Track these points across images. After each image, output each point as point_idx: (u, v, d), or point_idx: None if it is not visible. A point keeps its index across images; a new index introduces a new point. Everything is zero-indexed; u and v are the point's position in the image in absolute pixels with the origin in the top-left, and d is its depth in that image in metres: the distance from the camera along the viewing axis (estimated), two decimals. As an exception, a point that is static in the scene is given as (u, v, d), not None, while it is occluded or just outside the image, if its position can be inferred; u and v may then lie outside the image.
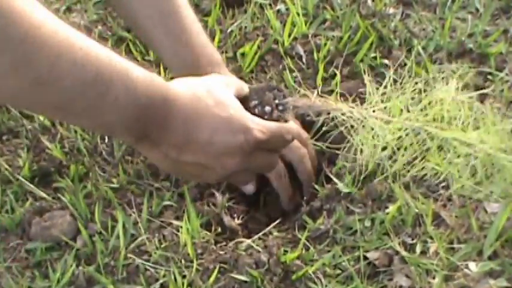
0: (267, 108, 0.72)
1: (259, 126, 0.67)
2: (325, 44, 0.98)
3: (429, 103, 0.63)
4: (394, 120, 0.64)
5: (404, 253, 0.69)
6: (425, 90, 0.65)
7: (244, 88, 0.74)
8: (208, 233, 0.76)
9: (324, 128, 0.80)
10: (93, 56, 0.55)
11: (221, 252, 0.73)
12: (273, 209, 0.85)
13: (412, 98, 0.64)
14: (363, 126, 0.65)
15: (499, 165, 0.58)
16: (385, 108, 0.65)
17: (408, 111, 0.65)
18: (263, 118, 0.70)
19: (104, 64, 0.56)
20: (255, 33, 1.03)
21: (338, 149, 0.70)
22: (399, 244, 0.71)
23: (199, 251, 0.74)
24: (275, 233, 0.77)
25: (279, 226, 0.78)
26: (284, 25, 1.01)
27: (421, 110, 0.64)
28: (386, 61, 0.96)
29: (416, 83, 0.65)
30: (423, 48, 0.96)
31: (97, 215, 0.77)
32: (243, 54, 1.00)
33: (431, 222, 0.72)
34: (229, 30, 1.03)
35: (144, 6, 0.79)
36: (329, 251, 0.72)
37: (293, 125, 0.74)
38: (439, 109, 0.62)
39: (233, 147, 0.65)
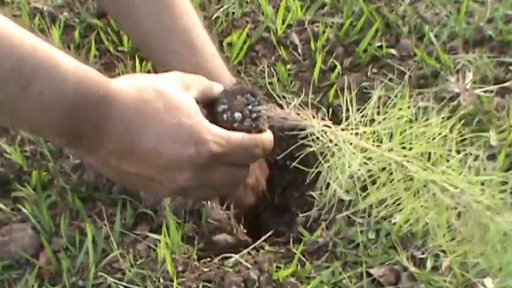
0: (237, 115, 0.69)
1: (217, 138, 0.65)
2: (324, 32, 0.99)
3: (416, 136, 0.63)
4: (371, 149, 0.62)
5: (413, 269, 0.71)
6: (415, 119, 0.65)
7: (214, 90, 0.71)
8: (190, 248, 0.77)
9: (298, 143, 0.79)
10: (16, 42, 0.55)
11: (205, 269, 0.74)
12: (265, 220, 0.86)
13: (398, 126, 0.64)
14: (335, 151, 0.63)
15: (483, 224, 0.59)
16: (364, 133, 0.64)
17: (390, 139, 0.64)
18: (232, 126, 0.68)
19: (26, 52, 0.56)
20: (243, 20, 1.05)
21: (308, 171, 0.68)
22: (407, 259, 0.72)
23: (180, 268, 0.74)
24: (266, 247, 0.78)
25: (270, 239, 0.79)
26: (277, 10, 1.02)
27: (407, 142, 0.64)
28: (393, 51, 0.97)
29: (408, 107, 0.65)
30: (436, 36, 0.97)
31: (63, 228, 0.78)
32: (230, 44, 1.01)
33: (444, 234, 0.73)
34: (214, 16, 1.04)
35: (153, 22, 0.79)
36: (328, 267, 0.73)
37: (267, 137, 0.71)
38: (426, 143, 0.62)
39: (182, 159, 0.63)
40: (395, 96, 0.89)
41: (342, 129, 0.64)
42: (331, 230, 0.77)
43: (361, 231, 0.75)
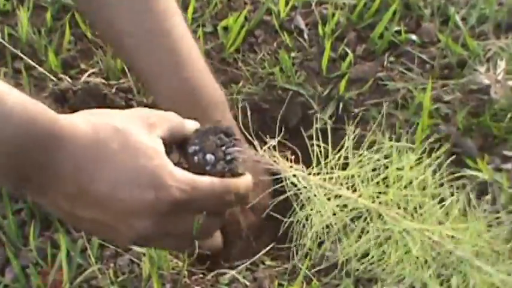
0: (209, 157, 0.70)
1: (180, 183, 0.65)
2: (333, 15, 0.99)
3: (394, 181, 0.64)
4: (345, 195, 0.64)
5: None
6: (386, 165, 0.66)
7: (186, 128, 0.72)
8: (179, 262, 0.77)
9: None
10: None
11: (197, 287, 0.74)
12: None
13: (374, 170, 0.64)
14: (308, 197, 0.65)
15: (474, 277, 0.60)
16: (338, 177, 0.65)
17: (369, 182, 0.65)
18: (204, 169, 0.69)
19: None
20: (241, 1, 1.05)
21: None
22: (429, 276, 0.72)
23: (167, 285, 0.74)
24: (267, 262, 0.78)
25: (272, 253, 0.79)
26: (280, -11, 1.02)
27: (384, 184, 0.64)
28: (413, 37, 0.97)
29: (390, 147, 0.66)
30: (463, 19, 0.98)
31: (32, 239, 0.78)
32: (225, 28, 1.01)
33: None
34: (207, -4, 1.05)
35: (129, 21, 0.80)
36: (338, 285, 0.73)
37: (243, 182, 0.71)
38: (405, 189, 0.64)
39: (140, 206, 0.64)
40: (416, 88, 0.90)
41: (316, 174, 0.65)
42: (342, 242, 0.76)
43: (375, 244, 0.74)
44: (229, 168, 0.70)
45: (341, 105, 0.91)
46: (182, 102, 0.81)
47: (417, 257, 0.64)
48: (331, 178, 0.65)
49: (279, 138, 0.69)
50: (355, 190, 0.66)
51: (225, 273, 0.76)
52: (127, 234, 0.66)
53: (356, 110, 0.92)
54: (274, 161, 0.67)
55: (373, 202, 0.65)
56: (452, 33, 0.96)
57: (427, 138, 0.83)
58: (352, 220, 0.66)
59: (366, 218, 0.64)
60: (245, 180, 0.72)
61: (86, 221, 0.65)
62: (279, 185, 0.66)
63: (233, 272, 0.75)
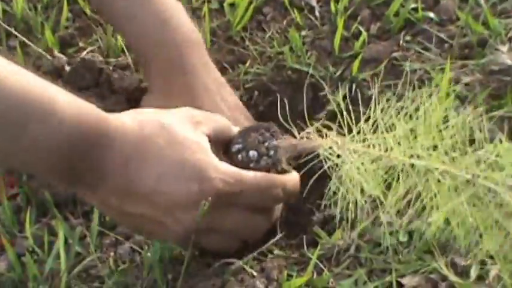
0: (252, 154, 0.74)
1: (224, 175, 0.70)
2: (347, -9, 0.99)
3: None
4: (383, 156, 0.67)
5: (454, 278, 0.70)
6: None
7: (231, 130, 0.77)
8: (182, 252, 0.76)
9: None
10: (7, 84, 0.62)
11: (201, 278, 0.74)
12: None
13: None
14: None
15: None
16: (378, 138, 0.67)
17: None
18: (248, 167, 0.73)
19: (16, 98, 0.62)
20: (248, -24, 1.04)
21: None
22: (447, 266, 0.71)
23: (170, 275, 0.74)
24: (276, 251, 0.77)
25: (281, 241, 0.79)
26: (289, -37, 1.02)
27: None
28: (431, 14, 0.97)
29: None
30: (484, -5, 0.97)
31: (28, 226, 0.78)
32: (232, 5, 1.01)
33: (492, 237, 0.72)
34: (212, -30, 1.04)
35: None
36: (350, 276, 0.73)
37: (291, 179, 0.76)
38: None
39: (185, 198, 0.69)
40: (433, 69, 0.89)
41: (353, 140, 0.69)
42: (355, 230, 0.77)
43: (390, 233, 0.75)
44: (273, 162, 0.74)
45: (354, 86, 0.91)
46: (156, 40, 0.84)
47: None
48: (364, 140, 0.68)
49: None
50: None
51: (231, 263, 0.75)
52: (174, 229, 0.70)
53: (370, 92, 0.91)
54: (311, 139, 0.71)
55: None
56: (473, 11, 0.95)
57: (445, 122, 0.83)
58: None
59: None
60: (293, 177, 0.77)
61: (135, 218, 0.70)
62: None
63: (240, 262, 0.75)
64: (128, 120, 0.69)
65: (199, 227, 0.70)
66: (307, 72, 0.94)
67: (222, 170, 0.70)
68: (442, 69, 0.88)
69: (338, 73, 0.93)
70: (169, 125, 0.70)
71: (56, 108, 0.64)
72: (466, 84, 0.88)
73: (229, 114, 0.84)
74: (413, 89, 0.88)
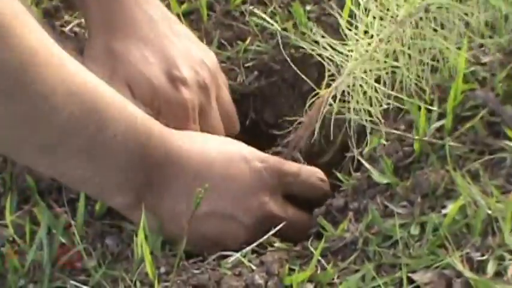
0: None
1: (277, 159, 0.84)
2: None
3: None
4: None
5: (469, 274, 0.69)
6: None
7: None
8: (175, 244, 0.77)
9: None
10: (90, 86, 0.69)
11: (195, 271, 0.74)
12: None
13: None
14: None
15: None
16: None
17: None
18: None
19: (100, 95, 0.70)
20: None
21: None
22: (462, 261, 0.71)
23: (163, 269, 0.74)
24: (276, 244, 0.77)
25: (282, 233, 0.79)
26: None
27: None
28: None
29: None
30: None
31: (8, 214, 0.78)
32: (231, -23, 1.00)
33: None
34: None
35: None
36: (357, 271, 0.73)
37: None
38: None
39: (252, 179, 0.78)
40: (449, 48, 0.88)
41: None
42: (362, 222, 0.76)
43: (402, 225, 0.74)
44: None
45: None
46: None
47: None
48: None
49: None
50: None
51: (228, 256, 0.75)
52: (246, 222, 0.78)
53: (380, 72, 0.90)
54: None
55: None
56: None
57: (461, 106, 0.82)
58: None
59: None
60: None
61: (205, 222, 0.76)
62: None
63: (237, 255, 0.75)
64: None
65: (269, 211, 0.79)
66: (312, 51, 0.93)
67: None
68: (459, 48, 0.86)
69: (345, 52, 0.92)
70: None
71: (131, 108, 0.73)
72: (484, 64, 0.87)
73: (180, 45, 0.87)
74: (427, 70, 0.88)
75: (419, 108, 0.83)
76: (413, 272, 0.71)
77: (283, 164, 0.83)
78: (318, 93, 0.86)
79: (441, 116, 0.82)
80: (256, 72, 0.96)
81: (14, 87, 0.63)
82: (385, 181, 0.79)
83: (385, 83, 0.83)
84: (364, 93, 0.82)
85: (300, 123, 0.87)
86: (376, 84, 0.82)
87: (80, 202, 0.78)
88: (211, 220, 0.77)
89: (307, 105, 0.87)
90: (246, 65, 0.96)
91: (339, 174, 0.83)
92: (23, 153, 0.70)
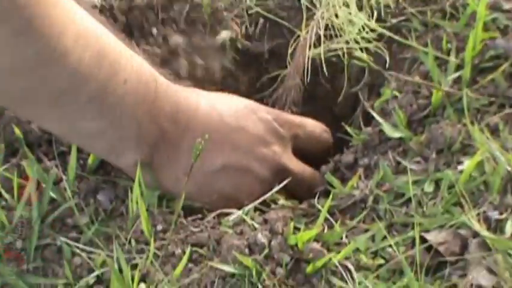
0: None
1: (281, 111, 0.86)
2: None
3: None
4: None
5: (486, 233, 0.69)
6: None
7: None
8: (174, 198, 0.77)
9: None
10: (98, 32, 0.70)
11: (195, 229, 0.74)
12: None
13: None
14: None
15: None
16: None
17: None
18: None
19: (108, 41, 0.71)
20: None
21: None
22: (478, 220, 0.71)
23: (159, 226, 0.74)
24: (281, 201, 0.78)
25: (287, 190, 0.79)
26: None
27: None
28: None
29: None
30: None
31: (-5, 167, 0.78)
32: None
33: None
34: None
35: None
36: (366, 230, 0.73)
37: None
38: None
39: (262, 129, 0.80)
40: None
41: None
42: (372, 179, 0.76)
43: (415, 182, 0.74)
44: None
45: (375, 14, 0.89)
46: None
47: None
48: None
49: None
50: None
51: (228, 214, 0.75)
52: (260, 173, 0.80)
53: (394, 21, 0.90)
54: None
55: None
56: None
57: (480, 56, 0.82)
58: None
59: None
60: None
61: (219, 174, 0.78)
62: None
63: (239, 212, 0.75)
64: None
65: (284, 158, 0.81)
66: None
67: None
68: (479, -7, 0.85)
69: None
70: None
71: (136, 55, 0.74)
72: (506, 12, 0.86)
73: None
74: (444, 17, 0.88)
75: (436, 58, 0.82)
76: (427, 231, 0.71)
77: (288, 115, 0.85)
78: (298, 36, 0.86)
79: (459, 67, 0.82)
80: (261, 20, 0.96)
81: (26, 23, 0.62)
82: (397, 135, 0.79)
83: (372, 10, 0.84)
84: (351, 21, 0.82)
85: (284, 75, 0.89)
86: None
87: (71, 155, 0.78)
88: (225, 174, 0.78)
89: (289, 51, 0.88)
90: (250, 12, 0.96)
91: (348, 128, 0.83)
92: (30, 105, 0.69)
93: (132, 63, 0.73)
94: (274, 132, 0.82)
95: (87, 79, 0.68)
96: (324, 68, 0.82)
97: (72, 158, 0.78)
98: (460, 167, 0.74)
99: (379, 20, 0.89)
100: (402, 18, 0.90)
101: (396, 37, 0.87)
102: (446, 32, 0.86)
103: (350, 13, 0.77)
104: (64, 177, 0.77)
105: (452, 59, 0.82)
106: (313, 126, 0.86)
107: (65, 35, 0.65)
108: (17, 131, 0.80)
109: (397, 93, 0.83)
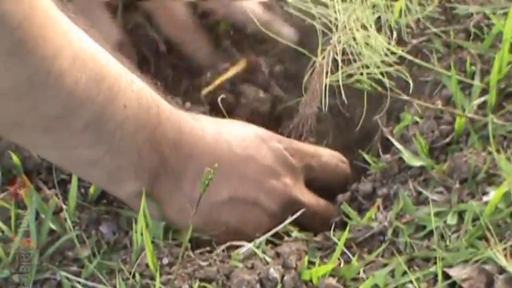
0: None
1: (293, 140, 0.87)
2: None
3: None
4: None
5: (513, 269, 0.70)
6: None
7: None
8: (180, 229, 0.77)
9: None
10: (97, 53, 0.70)
11: (203, 263, 0.74)
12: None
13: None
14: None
15: None
16: None
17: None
18: None
19: (107, 63, 0.71)
20: None
21: None
22: (505, 255, 0.71)
23: (165, 260, 0.75)
24: (294, 233, 0.78)
25: (299, 223, 0.80)
26: None
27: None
28: None
29: None
30: None
31: (-8, 196, 0.78)
32: None
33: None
34: None
35: None
36: (385, 265, 0.73)
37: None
38: None
39: (271, 159, 0.81)
40: (494, 14, 0.88)
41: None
42: (392, 210, 0.77)
43: (437, 214, 0.75)
44: None
45: (394, 34, 0.90)
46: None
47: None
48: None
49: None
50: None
51: (239, 247, 0.76)
52: (269, 207, 0.80)
53: (414, 41, 0.92)
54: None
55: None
56: None
57: (506, 80, 0.83)
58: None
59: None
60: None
61: (226, 206, 0.78)
62: None
63: (250, 245, 0.75)
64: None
65: (294, 190, 0.81)
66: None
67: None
68: (505, 14, 0.87)
69: (375, 17, 0.92)
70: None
71: (135, 77, 0.74)
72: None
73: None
74: (468, 38, 0.89)
75: (459, 81, 0.83)
76: (450, 266, 0.71)
77: (302, 144, 0.85)
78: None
79: (484, 91, 0.83)
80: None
81: (18, 44, 0.62)
82: (418, 164, 0.79)
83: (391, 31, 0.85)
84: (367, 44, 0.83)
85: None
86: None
87: (72, 183, 0.78)
88: (232, 207, 0.79)
89: (305, 78, 0.88)
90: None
91: (366, 156, 0.84)
92: (22, 130, 0.70)
93: (132, 87, 0.73)
94: (285, 162, 0.82)
95: (83, 103, 0.68)
96: (343, 95, 0.82)
97: (73, 187, 0.78)
98: (485, 198, 0.75)
99: (399, 41, 0.90)
100: (423, 38, 0.91)
101: (417, 60, 0.88)
102: (470, 54, 0.87)
103: (369, 36, 0.78)
104: (64, 207, 0.78)
105: (477, 82, 0.83)
106: (329, 157, 0.87)
107: (60, 56, 0.65)
108: (15, 157, 0.80)
109: (417, 119, 0.83)
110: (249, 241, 0.76)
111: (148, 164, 0.75)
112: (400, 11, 0.86)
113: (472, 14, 0.91)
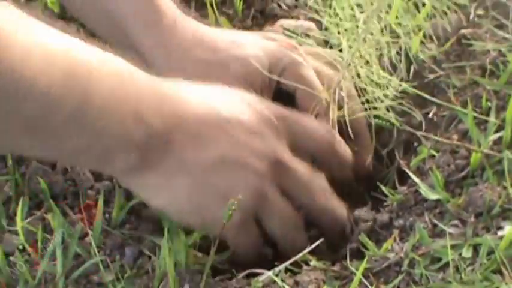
0: None
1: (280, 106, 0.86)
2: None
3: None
4: None
5: (528, 304, 0.71)
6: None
7: None
8: (202, 255, 0.79)
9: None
10: (68, 50, 0.69)
11: (223, 290, 0.75)
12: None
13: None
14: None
15: None
16: None
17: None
18: None
19: (76, 53, 0.70)
20: None
21: None
22: (520, 289, 0.72)
23: (187, 286, 0.76)
24: (313, 262, 0.79)
25: (320, 251, 0.81)
26: None
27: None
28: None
29: None
30: None
31: (19, 220, 0.79)
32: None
33: None
34: None
35: None
36: (402, 296, 0.74)
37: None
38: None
39: (258, 119, 0.81)
40: (509, 51, 0.89)
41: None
42: (408, 241, 0.78)
43: (452, 246, 0.75)
44: None
45: (412, 69, 0.91)
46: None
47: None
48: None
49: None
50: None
51: (258, 274, 0.77)
52: (259, 167, 0.79)
53: (431, 76, 0.92)
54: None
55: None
56: (558, -18, 0.95)
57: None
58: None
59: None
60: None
61: (214, 169, 0.78)
62: None
63: (269, 273, 0.76)
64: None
65: (283, 154, 0.81)
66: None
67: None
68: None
69: (393, 52, 0.93)
70: None
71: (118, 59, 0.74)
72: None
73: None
74: (484, 75, 0.90)
75: (475, 117, 0.85)
76: (466, 299, 0.72)
77: (286, 110, 0.86)
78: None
79: (499, 127, 0.84)
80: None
81: None
82: (434, 197, 0.80)
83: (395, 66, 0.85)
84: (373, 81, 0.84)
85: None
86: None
87: (97, 208, 0.80)
88: (222, 168, 0.78)
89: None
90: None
91: (383, 188, 0.84)
92: (4, 135, 0.69)
93: (104, 68, 0.72)
94: (268, 124, 0.82)
95: (59, 100, 0.68)
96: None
97: (98, 212, 0.80)
98: (500, 233, 0.75)
99: (416, 75, 0.92)
100: (439, 74, 0.92)
101: (428, 96, 0.90)
102: (486, 90, 0.88)
103: (372, 72, 0.80)
104: (89, 231, 0.79)
105: (492, 118, 0.84)
106: (315, 124, 0.87)
107: (28, 59, 0.65)
108: (42, 182, 0.82)
109: (434, 153, 0.84)
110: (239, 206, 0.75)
111: (136, 137, 0.74)
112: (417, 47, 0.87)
113: (488, 51, 0.91)
